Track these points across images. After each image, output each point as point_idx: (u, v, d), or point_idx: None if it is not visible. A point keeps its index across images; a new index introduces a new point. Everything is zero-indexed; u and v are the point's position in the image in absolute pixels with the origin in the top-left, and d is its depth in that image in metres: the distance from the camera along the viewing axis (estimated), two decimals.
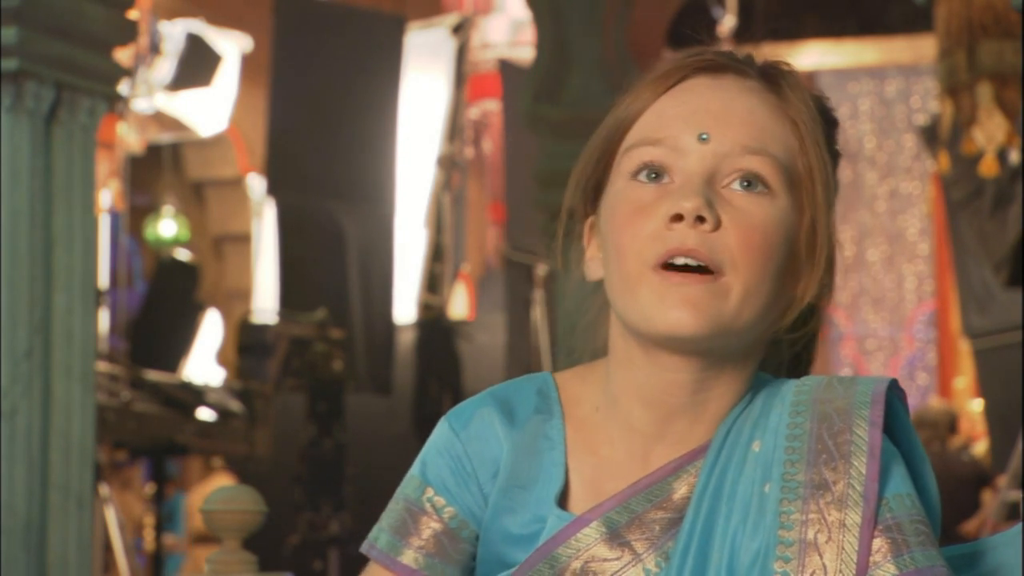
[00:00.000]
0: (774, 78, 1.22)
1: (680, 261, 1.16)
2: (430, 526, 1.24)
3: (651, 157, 1.19)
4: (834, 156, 1.25)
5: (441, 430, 1.27)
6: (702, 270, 1.16)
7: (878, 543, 1.15)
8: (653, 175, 1.19)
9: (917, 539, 1.15)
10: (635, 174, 1.19)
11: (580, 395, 1.26)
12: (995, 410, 8.19)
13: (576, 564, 1.19)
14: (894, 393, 1.21)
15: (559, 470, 1.23)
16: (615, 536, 1.20)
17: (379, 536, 1.26)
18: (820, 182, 1.20)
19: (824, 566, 1.13)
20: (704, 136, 1.18)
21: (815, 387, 1.21)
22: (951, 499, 7.18)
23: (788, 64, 1.25)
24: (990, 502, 7.26)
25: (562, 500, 1.22)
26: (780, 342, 1.25)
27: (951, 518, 6.99)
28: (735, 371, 1.22)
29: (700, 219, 1.16)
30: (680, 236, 1.16)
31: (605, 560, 1.19)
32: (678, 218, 1.16)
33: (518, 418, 1.25)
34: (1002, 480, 6.53)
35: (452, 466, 1.25)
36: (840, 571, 1.13)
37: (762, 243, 1.17)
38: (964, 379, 12.48)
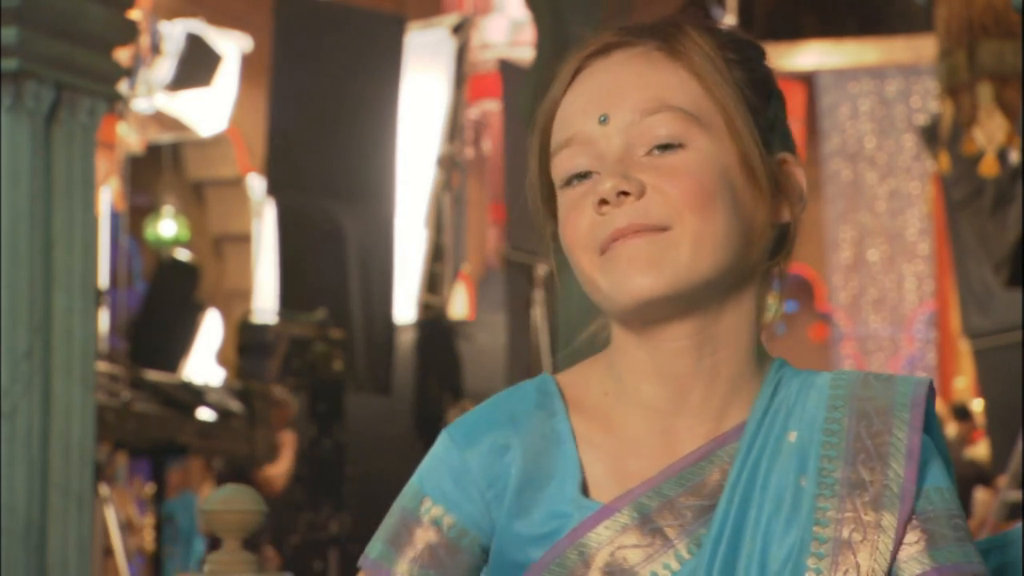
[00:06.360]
0: (662, 34, 1.21)
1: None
2: (425, 537, 1.22)
3: (570, 159, 1.20)
4: (766, 80, 1.23)
5: (441, 441, 1.26)
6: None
7: (916, 535, 1.15)
8: (581, 176, 1.20)
9: (956, 534, 1.16)
10: (566, 183, 1.21)
11: (585, 385, 1.25)
12: (995, 410, 8.19)
13: (606, 551, 1.18)
14: (929, 394, 1.22)
15: (574, 463, 1.21)
16: (646, 522, 1.18)
17: (374, 546, 1.24)
18: (737, 114, 1.19)
19: (857, 564, 1.14)
20: (603, 118, 1.18)
21: (852, 383, 1.22)
22: None
23: (684, 19, 1.23)
24: (986, 502, 7.26)
25: (584, 492, 1.21)
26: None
27: None
28: (733, 326, 1.21)
29: (624, 194, 1.16)
30: (612, 219, 1.16)
31: (636, 546, 1.18)
32: (604, 203, 1.16)
33: (521, 420, 1.23)
34: (1002, 480, 6.53)
35: (452, 474, 1.23)
36: (873, 570, 1.13)
37: (698, 188, 1.16)
38: (964, 379, 12.48)
